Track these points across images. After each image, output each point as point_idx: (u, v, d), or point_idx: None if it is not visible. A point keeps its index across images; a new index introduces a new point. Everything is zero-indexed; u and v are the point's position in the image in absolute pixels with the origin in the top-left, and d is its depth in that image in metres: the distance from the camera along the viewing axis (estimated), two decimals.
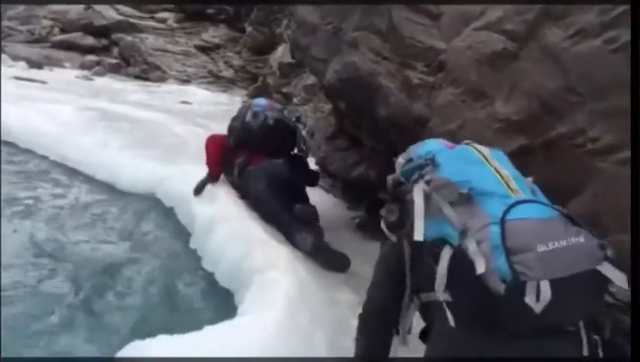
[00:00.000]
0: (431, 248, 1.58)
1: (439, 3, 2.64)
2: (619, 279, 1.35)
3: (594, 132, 2.00)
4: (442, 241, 1.55)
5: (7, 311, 2.50)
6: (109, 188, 4.41)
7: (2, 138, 5.46)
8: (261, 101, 3.96)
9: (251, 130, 3.69)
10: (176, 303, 2.76)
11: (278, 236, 3.14)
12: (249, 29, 14.41)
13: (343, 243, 3.09)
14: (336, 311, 2.52)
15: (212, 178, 3.78)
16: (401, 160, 1.91)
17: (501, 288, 1.33)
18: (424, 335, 1.74)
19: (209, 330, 2.13)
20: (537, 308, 1.28)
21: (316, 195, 4.16)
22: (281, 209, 3.41)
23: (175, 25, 17.20)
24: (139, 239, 3.52)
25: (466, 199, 1.56)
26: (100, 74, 13.08)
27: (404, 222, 1.77)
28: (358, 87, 2.87)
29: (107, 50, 15.30)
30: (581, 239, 1.38)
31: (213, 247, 3.12)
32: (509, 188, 1.57)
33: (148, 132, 6.16)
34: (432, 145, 1.84)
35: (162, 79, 13.26)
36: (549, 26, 2.15)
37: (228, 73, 13.82)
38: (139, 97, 9.87)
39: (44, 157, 5.12)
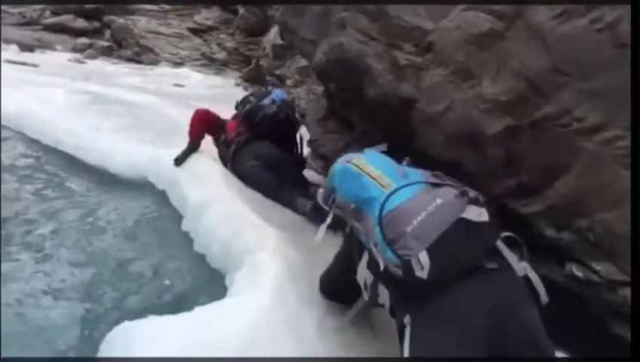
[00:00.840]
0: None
1: (436, 3, 2.62)
2: (478, 215, 1.63)
3: (580, 112, 2.01)
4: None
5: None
6: (101, 172, 4.40)
7: None
8: (280, 93, 4.08)
9: (264, 115, 3.81)
10: (168, 285, 2.77)
11: (269, 218, 3.15)
12: (242, 10, 14.31)
13: None
14: None
15: (192, 147, 3.89)
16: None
17: (399, 272, 1.62)
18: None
19: (199, 311, 2.14)
20: (424, 275, 1.54)
21: (307, 176, 4.17)
22: (278, 181, 3.59)
23: (168, 7, 17.04)
24: (130, 223, 3.52)
25: (358, 211, 1.88)
26: (92, 57, 13.02)
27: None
28: (347, 69, 2.86)
29: (99, 32, 15.21)
30: (437, 201, 1.69)
31: (205, 230, 3.12)
32: (381, 185, 1.85)
33: (141, 115, 6.14)
34: (333, 171, 2.13)
35: (155, 62, 13.20)
36: (535, 5, 2.15)
37: (221, 55, 13.76)
38: (132, 80, 9.82)
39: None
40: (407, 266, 1.59)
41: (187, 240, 3.22)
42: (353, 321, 2.27)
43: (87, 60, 12.34)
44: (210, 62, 13.61)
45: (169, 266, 2.94)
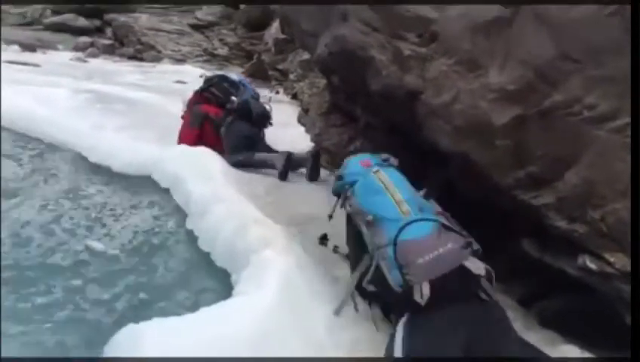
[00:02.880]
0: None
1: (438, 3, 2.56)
2: (478, 269, 1.97)
3: (590, 99, 1.95)
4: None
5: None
6: (105, 171, 4.38)
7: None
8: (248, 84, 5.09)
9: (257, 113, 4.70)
10: (173, 284, 2.74)
11: (274, 215, 3.12)
12: (243, 5, 14.23)
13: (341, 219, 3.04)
14: (334, 288, 2.50)
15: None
16: (335, 175, 2.57)
17: (399, 290, 1.95)
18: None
19: (205, 312, 2.12)
20: (422, 301, 1.87)
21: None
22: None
23: (168, 4, 17.00)
24: (134, 221, 3.49)
25: (371, 224, 2.15)
26: (93, 55, 12.97)
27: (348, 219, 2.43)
28: (349, 61, 2.82)
29: (100, 31, 15.20)
30: (449, 245, 1.99)
31: (209, 227, 3.10)
32: (402, 211, 2.13)
33: (144, 113, 6.13)
34: (353, 167, 2.49)
35: (157, 59, 13.13)
36: None
37: (223, 51, 13.68)
38: (134, 78, 9.77)
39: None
40: (408, 289, 1.92)
41: (192, 237, 3.19)
42: (362, 317, 2.30)
43: (88, 59, 12.28)
44: (212, 58, 13.53)
45: (174, 265, 2.92)
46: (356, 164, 2.51)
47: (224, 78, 5.08)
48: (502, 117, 2.19)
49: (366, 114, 3.24)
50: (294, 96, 8.42)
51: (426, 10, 2.52)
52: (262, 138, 4.82)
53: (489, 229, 2.27)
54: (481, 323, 1.91)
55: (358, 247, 2.31)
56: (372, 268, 2.11)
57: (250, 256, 2.59)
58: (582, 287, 2.13)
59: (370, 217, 2.16)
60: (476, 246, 2.07)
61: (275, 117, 4.84)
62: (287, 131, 5.29)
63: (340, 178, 2.53)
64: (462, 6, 2.39)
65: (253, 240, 2.73)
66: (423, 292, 1.87)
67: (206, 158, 4.04)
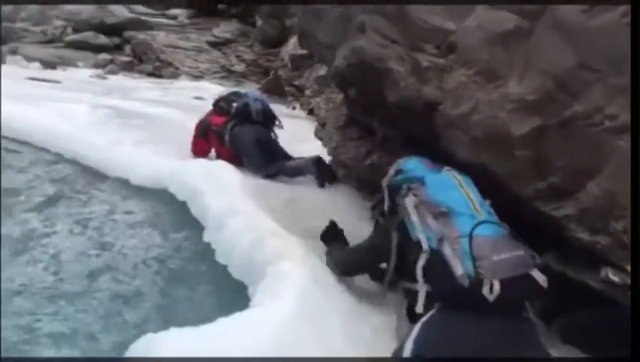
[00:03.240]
0: (416, 248, 2.14)
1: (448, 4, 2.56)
2: (542, 281, 1.95)
3: (611, 109, 1.93)
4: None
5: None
6: (123, 184, 4.42)
7: (19, 138, 5.52)
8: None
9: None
10: (191, 296, 2.74)
11: (290, 227, 3.10)
12: (260, 22, 14.39)
13: (357, 232, 3.02)
14: (350, 300, 2.49)
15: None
16: (391, 171, 2.55)
17: (466, 282, 1.89)
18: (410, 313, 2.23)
19: (221, 322, 2.11)
20: (491, 298, 1.84)
21: (328, 185, 4.14)
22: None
23: (186, 21, 17.26)
24: (152, 233, 3.51)
25: (444, 215, 2.12)
26: (113, 72, 13.15)
27: (391, 213, 2.40)
28: (367, 73, 2.82)
29: (120, 48, 15.39)
30: (520, 252, 2.01)
31: (226, 240, 3.10)
32: (475, 209, 2.15)
33: (161, 128, 6.18)
34: (416, 164, 2.50)
35: (175, 75, 13.28)
36: (562, 0, 2.08)
37: (240, 67, 13.81)
38: (152, 94, 9.88)
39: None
40: (477, 282, 1.88)
41: (209, 250, 3.20)
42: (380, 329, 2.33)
43: (108, 76, 12.46)
44: (229, 75, 13.64)
45: (191, 276, 2.92)
46: (416, 162, 2.52)
47: (233, 93, 5.18)
48: (521, 127, 2.17)
49: (383, 126, 3.23)
50: (311, 112, 8.47)
51: (444, 22, 2.51)
52: (276, 141, 4.84)
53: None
54: (512, 334, 1.90)
55: (385, 239, 2.35)
56: (425, 257, 2.09)
57: (267, 268, 2.58)
58: (604, 301, 2.09)
59: (443, 208, 2.14)
60: (540, 259, 2.08)
61: (292, 132, 4.88)
62: (305, 146, 5.30)
63: (399, 172, 2.50)
64: (479, 17, 2.38)
65: (269, 252, 2.72)
66: (493, 288, 1.85)
67: (223, 171, 4.05)
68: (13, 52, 13.57)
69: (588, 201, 2.03)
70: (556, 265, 2.29)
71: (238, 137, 4.63)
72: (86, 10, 16.10)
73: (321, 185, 4.20)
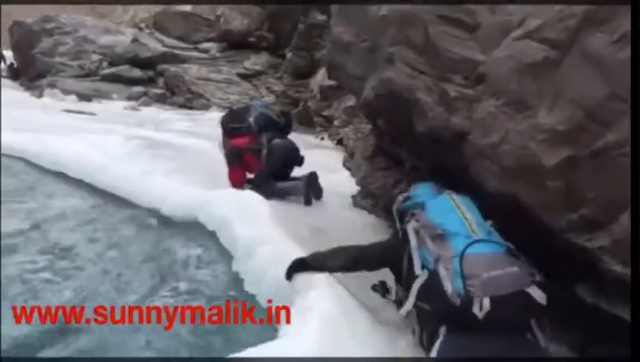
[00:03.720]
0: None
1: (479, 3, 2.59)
2: (540, 298, 1.94)
3: None
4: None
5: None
6: (154, 214, 4.48)
7: (53, 169, 5.68)
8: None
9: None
10: (219, 326, 2.75)
11: None
12: (289, 54, 14.62)
13: None
14: (380, 331, 2.46)
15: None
16: (400, 197, 2.68)
17: (457, 301, 1.94)
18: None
19: (250, 352, 2.10)
20: (480, 315, 1.88)
21: (357, 215, 4.14)
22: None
23: (218, 54, 17.60)
24: (181, 262, 3.55)
25: (440, 237, 2.21)
26: (146, 104, 13.50)
27: (403, 237, 2.47)
28: (396, 103, 2.84)
29: (153, 81, 15.79)
30: (515, 268, 2.02)
31: (255, 269, 3.11)
32: (472, 229, 2.21)
33: (192, 158, 6.29)
34: (423, 190, 2.65)
35: (206, 107, 13.55)
36: (591, 31, 2.07)
37: (269, 99, 13.97)
38: (183, 125, 10.09)
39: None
40: (467, 300, 1.91)
41: (238, 279, 3.21)
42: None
43: (141, 108, 12.80)
44: None
45: (221, 305, 2.93)
46: (426, 187, 2.67)
47: (231, 112, 5.34)
48: (552, 158, 2.15)
49: (412, 156, 3.24)
50: (339, 142, 8.52)
51: (473, 53, 2.53)
52: (298, 150, 4.96)
53: (539, 273, 2.21)
54: (511, 353, 1.91)
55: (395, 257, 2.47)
56: (422, 278, 2.16)
57: (295, 298, 2.57)
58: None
59: (439, 231, 2.23)
60: (540, 277, 2.06)
61: (321, 162, 4.90)
62: (333, 176, 5.32)
63: (407, 199, 2.64)
64: (508, 47, 2.39)
65: (297, 282, 2.71)
66: (483, 306, 1.88)
67: (252, 201, 4.08)
68: (52, 85, 14.05)
69: (621, 232, 1.98)
70: (590, 297, 2.23)
71: (272, 151, 4.78)
72: (121, 44, 16.62)
73: (308, 203, 4.45)
